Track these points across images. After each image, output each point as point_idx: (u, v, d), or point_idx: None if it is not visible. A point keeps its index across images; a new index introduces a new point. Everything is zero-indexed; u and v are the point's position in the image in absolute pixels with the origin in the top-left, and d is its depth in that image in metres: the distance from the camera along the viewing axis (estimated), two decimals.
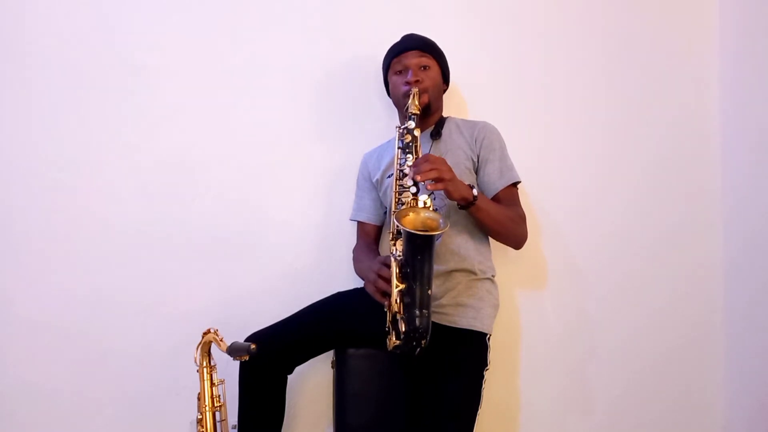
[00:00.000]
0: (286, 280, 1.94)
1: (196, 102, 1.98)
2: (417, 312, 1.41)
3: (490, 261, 1.74)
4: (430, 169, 1.44)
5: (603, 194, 2.06)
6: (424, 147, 1.70)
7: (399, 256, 1.45)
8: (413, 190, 1.49)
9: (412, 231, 1.37)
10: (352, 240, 1.92)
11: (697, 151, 2.11)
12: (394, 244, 1.52)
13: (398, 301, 1.42)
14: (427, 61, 1.74)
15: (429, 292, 1.42)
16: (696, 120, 2.11)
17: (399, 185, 1.58)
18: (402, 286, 1.41)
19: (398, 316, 1.43)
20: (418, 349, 1.44)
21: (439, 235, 1.40)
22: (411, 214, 1.44)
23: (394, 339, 1.46)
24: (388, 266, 1.45)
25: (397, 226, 1.40)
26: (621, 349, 2.04)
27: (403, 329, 1.42)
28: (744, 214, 2.02)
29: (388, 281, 1.44)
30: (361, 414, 1.74)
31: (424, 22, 1.92)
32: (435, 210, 1.49)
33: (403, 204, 1.53)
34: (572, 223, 2.04)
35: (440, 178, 1.45)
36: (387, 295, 1.46)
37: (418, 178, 1.45)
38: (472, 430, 1.56)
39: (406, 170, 1.54)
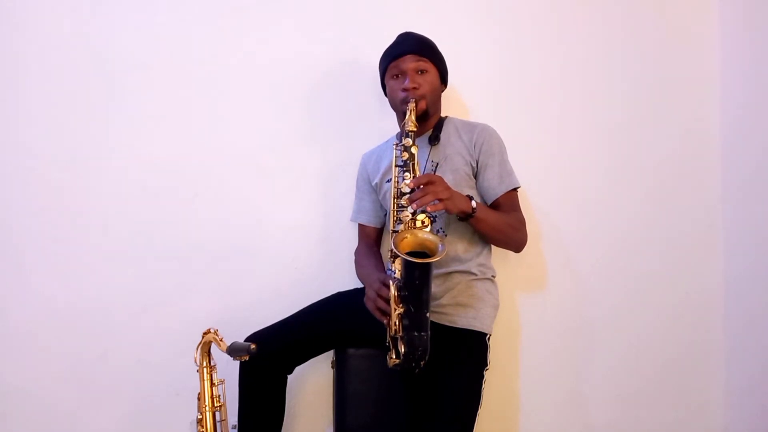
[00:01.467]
0: (285, 280, 1.94)
1: (196, 103, 1.98)
2: (416, 334, 1.44)
3: (489, 262, 1.74)
4: (425, 194, 1.45)
5: (603, 196, 2.06)
6: (422, 152, 1.70)
7: (397, 277, 1.46)
8: (411, 209, 1.50)
9: (410, 260, 1.38)
10: (351, 240, 1.92)
11: (698, 155, 2.10)
12: (393, 262, 1.52)
13: (397, 323, 1.44)
14: (424, 65, 1.71)
15: (427, 315, 1.44)
16: (696, 124, 2.11)
17: (397, 204, 1.58)
18: (401, 310, 1.43)
19: (398, 336, 1.45)
20: (417, 369, 1.47)
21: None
22: (409, 236, 1.46)
23: (394, 357, 1.48)
24: (388, 286, 1.47)
25: (396, 252, 1.42)
26: (621, 350, 2.04)
27: (403, 350, 1.45)
28: (745, 218, 2.01)
29: (388, 301, 1.46)
30: (361, 414, 1.74)
31: (423, 22, 1.90)
32: (432, 219, 1.52)
33: (401, 222, 1.54)
34: (572, 224, 2.04)
35: (438, 199, 1.46)
36: (386, 314, 1.48)
37: (414, 206, 1.46)
38: (471, 430, 1.56)
39: (404, 189, 1.54)
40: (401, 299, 1.43)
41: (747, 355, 1.99)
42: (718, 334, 2.07)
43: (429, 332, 1.45)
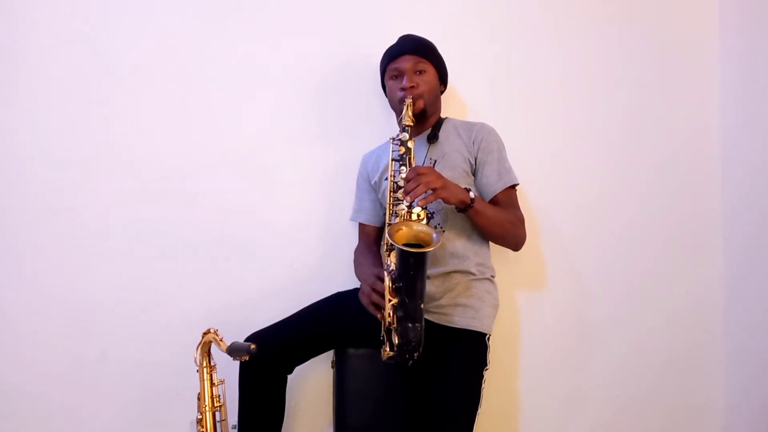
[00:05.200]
0: (285, 280, 1.94)
1: (196, 102, 1.98)
2: (410, 325, 1.43)
3: (489, 261, 1.74)
4: (418, 185, 1.44)
5: (602, 195, 2.06)
6: (421, 150, 1.70)
7: (392, 269, 1.46)
8: (406, 203, 1.49)
9: (405, 249, 1.38)
10: (351, 240, 1.92)
11: (697, 155, 2.10)
12: (389, 256, 1.52)
13: (391, 314, 1.44)
14: (423, 65, 1.71)
15: (421, 306, 1.44)
16: (696, 123, 2.11)
17: (393, 197, 1.58)
18: (395, 301, 1.43)
19: (392, 328, 1.45)
20: (411, 361, 1.46)
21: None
22: (404, 228, 1.46)
23: (387, 350, 1.48)
24: (382, 279, 1.47)
25: (391, 243, 1.41)
26: (620, 350, 2.04)
27: (397, 342, 1.44)
28: (744, 218, 2.02)
29: (382, 295, 1.46)
30: (361, 414, 1.74)
31: (424, 23, 1.91)
32: (430, 215, 1.50)
33: (397, 215, 1.53)
34: (571, 223, 2.04)
35: (431, 189, 1.45)
36: (380, 308, 1.48)
37: (408, 199, 1.45)
38: (471, 430, 1.57)
39: (400, 182, 1.54)
40: (396, 291, 1.43)
41: (747, 355, 1.99)
42: (718, 334, 2.07)
43: (423, 324, 1.44)
